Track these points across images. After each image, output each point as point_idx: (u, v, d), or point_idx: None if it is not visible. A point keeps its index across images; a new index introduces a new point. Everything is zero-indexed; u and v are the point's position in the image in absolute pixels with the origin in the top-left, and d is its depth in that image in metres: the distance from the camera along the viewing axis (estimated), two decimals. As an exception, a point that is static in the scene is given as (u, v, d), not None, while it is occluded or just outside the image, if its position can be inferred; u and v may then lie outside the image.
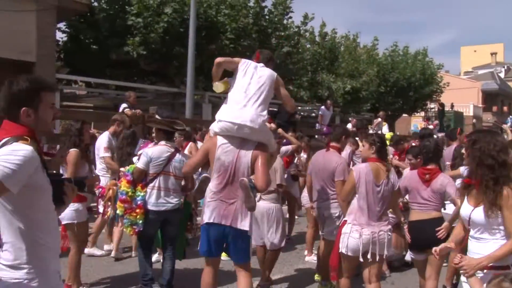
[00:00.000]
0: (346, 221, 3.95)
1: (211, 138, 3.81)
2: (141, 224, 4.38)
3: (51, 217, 2.11)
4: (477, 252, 2.64)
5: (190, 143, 6.10)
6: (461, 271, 2.64)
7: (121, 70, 13.41)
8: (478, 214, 2.64)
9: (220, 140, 3.64)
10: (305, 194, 5.92)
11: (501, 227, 2.59)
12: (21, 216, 1.97)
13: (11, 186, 1.85)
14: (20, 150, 1.91)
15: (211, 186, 3.63)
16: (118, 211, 4.42)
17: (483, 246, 2.63)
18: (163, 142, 4.55)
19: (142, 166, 4.42)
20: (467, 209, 2.72)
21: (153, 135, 4.80)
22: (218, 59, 3.83)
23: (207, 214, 3.59)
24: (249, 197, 3.45)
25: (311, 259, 5.97)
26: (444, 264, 4.92)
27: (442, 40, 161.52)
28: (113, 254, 5.75)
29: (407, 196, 4.49)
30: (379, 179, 3.87)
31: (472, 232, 2.72)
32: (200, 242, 3.74)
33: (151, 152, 4.45)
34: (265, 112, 3.67)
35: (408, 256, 5.20)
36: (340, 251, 3.91)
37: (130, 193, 4.36)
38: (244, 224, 3.53)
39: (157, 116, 4.62)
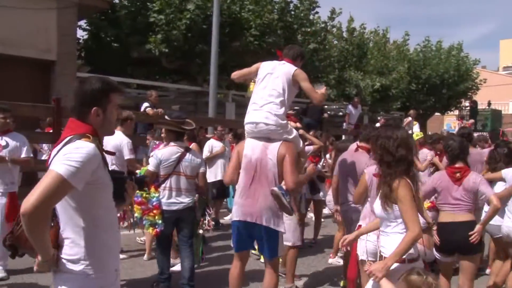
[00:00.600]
0: (360, 226, 3.92)
1: (241, 141, 4.21)
2: (161, 224, 4.61)
3: (112, 214, 2.22)
4: (384, 245, 2.92)
5: (193, 144, 6.12)
6: (371, 278, 2.75)
7: (142, 68, 13.67)
8: (377, 207, 2.89)
9: (248, 140, 4.03)
10: (330, 197, 5.93)
11: (399, 220, 2.79)
12: (83, 213, 2.07)
13: (76, 184, 1.95)
14: (83, 147, 2.01)
15: (239, 183, 3.92)
16: (136, 214, 4.65)
17: (387, 240, 2.88)
18: (172, 143, 4.76)
19: (153, 168, 4.68)
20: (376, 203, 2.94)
21: (162, 135, 5.02)
22: (233, 75, 4.35)
23: (234, 212, 3.91)
24: (282, 205, 3.74)
25: (335, 261, 6.07)
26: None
27: (479, 34, 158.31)
28: (145, 257, 5.98)
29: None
30: None
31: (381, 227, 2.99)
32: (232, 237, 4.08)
33: (161, 154, 4.69)
34: (282, 110, 3.93)
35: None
36: (360, 259, 3.86)
37: (144, 195, 4.59)
38: (269, 221, 3.76)
39: (166, 117, 4.86)
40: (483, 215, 4.33)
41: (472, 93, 23.97)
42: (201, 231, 5.01)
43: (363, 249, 3.79)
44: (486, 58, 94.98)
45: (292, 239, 4.89)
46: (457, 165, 4.11)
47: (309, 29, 14.43)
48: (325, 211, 9.09)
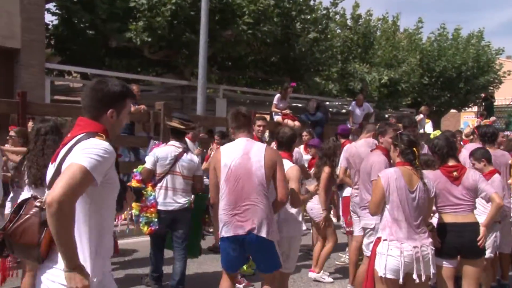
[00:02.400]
0: (379, 238, 4.02)
1: (216, 153, 4.27)
2: (156, 222, 5.08)
3: (113, 216, 2.49)
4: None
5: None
6: None
7: (122, 59, 13.82)
8: None
9: (222, 149, 4.17)
10: (312, 204, 6.20)
11: None
12: (94, 213, 2.32)
13: (97, 177, 2.20)
14: (101, 144, 2.28)
15: (222, 197, 4.00)
16: (134, 211, 5.10)
17: None
18: (171, 142, 5.30)
19: (150, 166, 5.17)
20: None
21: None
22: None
23: (223, 230, 4.01)
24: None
25: (319, 277, 6.24)
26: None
27: (504, 19, 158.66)
28: None
29: None
30: (413, 185, 3.96)
31: None
32: (220, 255, 4.21)
33: (158, 152, 5.21)
34: None
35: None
36: (379, 275, 3.94)
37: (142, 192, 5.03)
38: (262, 231, 3.88)
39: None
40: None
41: (494, 87, 24.05)
42: (206, 230, 5.52)
43: (383, 264, 3.89)
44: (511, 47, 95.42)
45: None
46: (450, 164, 4.43)
47: (309, 17, 14.68)
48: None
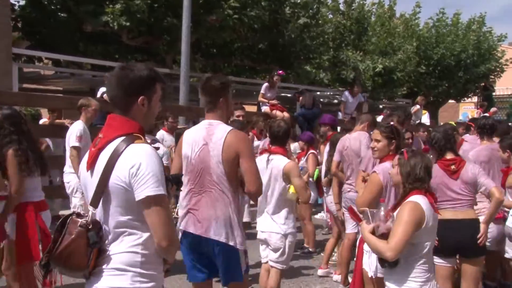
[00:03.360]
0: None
1: (180, 139, 4.04)
2: None
3: None
4: None
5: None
6: None
7: (97, 45, 13.69)
8: None
9: (185, 134, 3.91)
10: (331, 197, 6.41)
11: None
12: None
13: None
14: (150, 153, 2.31)
15: (183, 192, 3.82)
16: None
17: None
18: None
19: None
20: None
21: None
22: None
23: (181, 225, 3.79)
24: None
25: (326, 272, 6.48)
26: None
27: (507, 2, 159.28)
28: None
29: None
30: None
31: None
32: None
33: None
34: None
35: None
36: (368, 276, 4.06)
37: None
38: (220, 234, 3.63)
39: None
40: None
41: (496, 76, 24.25)
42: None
43: (373, 264, 4.02)
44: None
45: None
46: (448, 157, 4.55)
47: (299, 0, 14.72)
48: (317, 216, 9.60)
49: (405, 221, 3.15)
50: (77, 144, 6.33)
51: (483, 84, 22.41)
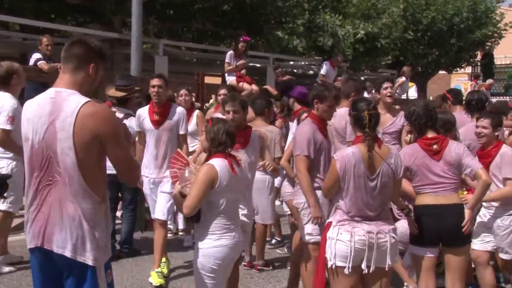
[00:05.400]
0: (330, 223, 4.24)
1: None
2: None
3: None
4: None
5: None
6: None
7: (30, 3, 13.22)
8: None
9: (25, 107, 3.38)
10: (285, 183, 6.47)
11: None
12: None
13: None
14: None
15: (26, 184, 3.35)
16: None
17: None
18: (114, 108, 6.32)
19: None
20: None
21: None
22: None
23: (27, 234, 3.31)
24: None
25: None
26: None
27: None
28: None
29: None
30: (374, 169, 4.10)
31: None
32: None
33: None
34: None
35: None
36: (328, 266, 4.15)
37: None
38: (63, 245, 3.15)
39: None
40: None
41: (493, 43, 24.46)
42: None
43: (332, 251, 4.10)
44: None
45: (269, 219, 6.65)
46: (429, 135, 4.63)
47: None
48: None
49: (199, 182, 3.93)
50: (8, 127, 5.86)
51: (479, 52, 22.59)
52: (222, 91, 8.02)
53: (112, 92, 6.79)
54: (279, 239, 7.71)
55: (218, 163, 4.02)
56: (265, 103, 6.81)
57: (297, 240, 5.52)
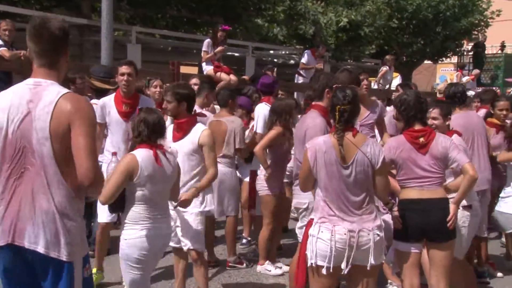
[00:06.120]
0: (312, 220, 4.29)
1: None
2: None
3: None
4: None
5: None
6: None
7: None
8: None
9: (4, 95, 3.33)
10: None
11: None
12: None
13: None
14: None
15: None
16: None
17: None
18: (93, 101, 6.29)
19: None
20: None
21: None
22: None
23: None
24: None
25: (263, 269, 6.60)
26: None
27: None
28: None
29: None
30: (348, 157, 4.10)
31: None
32: None
33: None
34: None
35: None
36: (308, 264, 4.19)
37: None
38: (35, 240, 3.14)
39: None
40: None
41: (479, 32, 24.50)
42: None
43: (313, 250, 4.12)
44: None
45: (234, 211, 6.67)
46: (416, 128, 4.65)
47: None
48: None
49: (117, 171, 4.13)
50: None
51: (465, 41, 22.64)
52: (193, 81, 7.96)
53: (99, 84, 6.95)
54: (249, 238, 7.65)
55: (141, 154, 4.19)
56: (227, 94, 6.91)
57: None
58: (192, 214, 5.13)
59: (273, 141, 6.30)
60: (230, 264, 6.65)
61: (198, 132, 5.13)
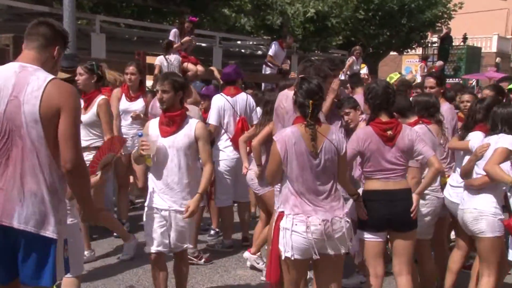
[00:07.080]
0: (282, 213, 4.24)
1: None
2: None
3: None
4: None
5: None
6: None
7: None
8: None
9: None
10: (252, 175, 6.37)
11: None
12: None
13: None
14: None
15: None
16: None
17: None
18: None
19: None
20: None
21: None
22: None
23: None
24: None
25: (252, 259, 6.51)
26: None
27: None
28: None
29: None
30: (317, 146, 4.13)
31: None
32: None
33: None
34: None
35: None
36: (283, 257, 4.19)
37: None
38: (24, 220, 3.27)
39: None
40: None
41: (442, 24, 25.02)
42: None
43: (288, 243, 4.12)
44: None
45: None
46: (383, 119, 4.66)
47: None
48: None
49: None
50: None
51: (433, 33, 22.92)
52: (130, 69, 7.60)
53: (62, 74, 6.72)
54: (217, 229, 7.57)
55: None
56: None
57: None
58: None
59: (267, 137, 6.11)
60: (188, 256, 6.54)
61: (192, 125, 4.83)
